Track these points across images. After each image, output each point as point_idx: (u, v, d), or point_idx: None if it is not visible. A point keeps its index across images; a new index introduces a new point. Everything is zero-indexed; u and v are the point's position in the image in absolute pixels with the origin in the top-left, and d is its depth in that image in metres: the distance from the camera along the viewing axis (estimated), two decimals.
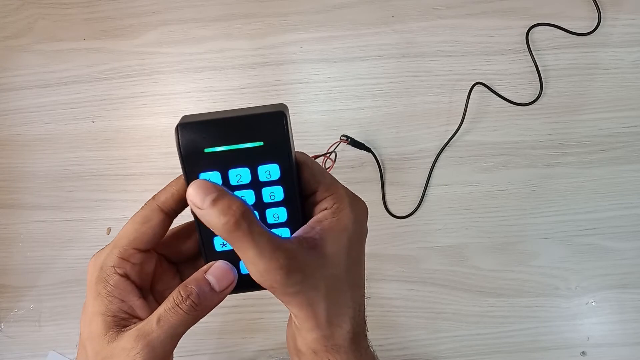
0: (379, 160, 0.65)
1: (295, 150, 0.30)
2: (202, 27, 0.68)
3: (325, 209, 0.29)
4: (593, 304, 0.62)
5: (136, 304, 0.29)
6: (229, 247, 0.30)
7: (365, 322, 0.32)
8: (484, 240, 0.64)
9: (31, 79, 0.69)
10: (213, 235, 0.29)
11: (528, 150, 0.65)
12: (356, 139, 0.63)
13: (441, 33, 0.67)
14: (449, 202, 0.65)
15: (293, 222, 0.29)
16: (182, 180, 0.30)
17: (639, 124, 0.65)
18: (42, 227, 0.66)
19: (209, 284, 0.28)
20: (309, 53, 0.67)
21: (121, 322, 0.28)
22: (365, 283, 0.32)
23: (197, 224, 0.29)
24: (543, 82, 0.65)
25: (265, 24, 0.68)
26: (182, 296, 0.27)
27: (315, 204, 0.30)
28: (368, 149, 0.63)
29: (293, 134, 0.29)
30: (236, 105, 0.66)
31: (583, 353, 0.61)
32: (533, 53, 0.65)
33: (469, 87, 0.65)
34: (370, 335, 0.33)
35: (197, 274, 0.29)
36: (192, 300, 0.27)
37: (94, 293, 0.29)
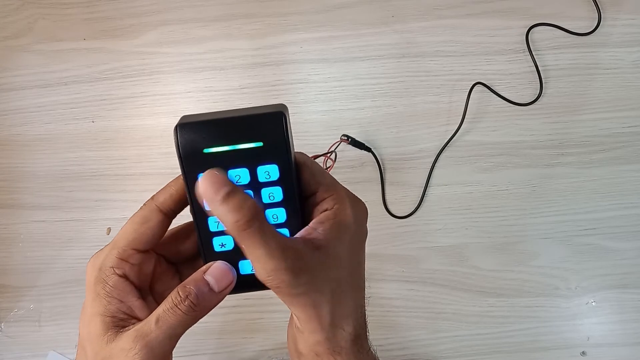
0: (379, 160, 0.65)
1: (295, 150, 0.29)
2: (202, 27, 0.68)
3: (326, 210, 0.29)
4: (593, 304, 0.62)
5: (135, 304, 0.29)
6: (228, 248, 0.30)
7: (366, 324, 0.32)
8: (484, 240, 0.64)
9: (31, 79, 0.69)
10: (212, 235, 0.29)
11: (528, 150, 0.65)
12: (356, 139, 0.63)
13: (441, 33, 0.67)
14: (449, 202, 0.65)
15: (292, 223, 0.29)
16: (181, 181, 0.30)
17: (639, 124, 0.65)
18: (42, 227, 0.66)
19: (208, 284, 0.28)
20: (309, 53, 0.67)
21: (120, 322, 0.28)
22: (365, 284, 0.32)
23: (196, 225, 0.29)
24: (543, 82, 0.65)
25: (265, 24, 0.68)
26: (180, 297, 0.27)
27: (315, 204, 0.30)
28: (368, 149, 0.63)
29: (293, 134, 0.29)
30: (236, 105, 0.67)
31: (583, 353, 0.61)
32: (533, 53, 0.65)
33: (469, 87, 0.65)
34: (370, 335, 0.33)
35: (196, 275, 0.29)
36: (191, 301, 0.27)
37: (92, 294, 0.29)
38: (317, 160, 0.57)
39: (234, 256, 0.30)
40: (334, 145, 0.62)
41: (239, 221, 0.25)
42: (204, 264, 0.30)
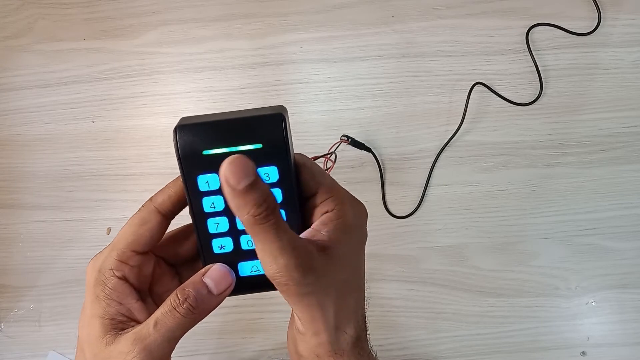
0: (379, 160, 0.65)
1: (295, 151, 0.29)
2: (202, 27, 0.68)
3: (327, 211, 0.29)
4: (593, 304, 0.62)
5: (134, 306, 0.29)
6: (227, 250, 0.29)
7: (366, 326, 0.32)
8: (484, 240, 0.64)
9: (31, 79, 0.69)
10: (211, 237, 0.29)
11: (528, 150, 0.65)
12: (356, 139, 0.63)
13: (441, 33, 0.67)
14: (449, 202, 0.65)
15: (292, 225, 0.29)
16: (180, 182, 0.30)
17: (639, 124, 0.65)
18: (42, 227, 0.66)
19: (207, 287, 0.28)
20: (309, 53, 0.67)
21: (119, 325, 0.28)
22: (365, 285, 0.32)
23: (196, 226, 0.29)
24: (543, 82, 0.65)
25: (265, 24, 0.68)
26: (179, 299, 0.27)
27: (315, 206, 0.29)
28: (368, 149, 0.63)
29: (292, 135, 0.29)
30: (236, 105, 0.67)
31: (583, 353, 0.61)
32: (533, 53, 0.65)
33: (469, 87, 0.65)
34: (370, 335, 0.33)
35: (194, 277, 0.29)
36: (190, 304, 0.27)
37: (92, 296, 0.29)
38: (317, 161, 0.57)
39: (233, 258, 0.30)
40: (334, 146, 0.62)
41: (257, 215, 0.24)
42: (203, 266, 0.30)
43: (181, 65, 0.68)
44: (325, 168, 0.61)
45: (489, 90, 0.65)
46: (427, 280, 0.63)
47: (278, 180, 0.28)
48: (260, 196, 0.24)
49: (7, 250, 0.66)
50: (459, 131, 0.65)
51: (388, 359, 0.62)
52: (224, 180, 0.23)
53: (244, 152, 0.27)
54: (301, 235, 0.29)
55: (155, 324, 0.27)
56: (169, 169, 0.66)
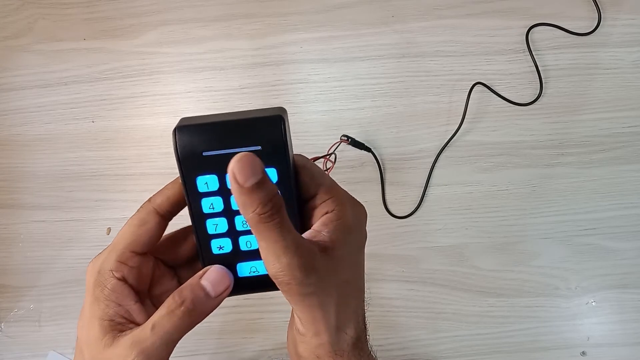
0: (379, 160, 0.65)
1: (294, 152, 0.29)
2: (202, 27, 0.68)
3: (327, 212, 0.29)
4: (593, 304, 0.62)
5: (133, 308, 0.29)
6: (226, 250, 0.29)
7: (366, 327, 0.32)
8: (484, 240, 0.64)
9: (31, 79, 0.69)
10: (210, 238, 0.29)
11: (528, 150, 0.65)
12: (356, 139, 0.63)
13: (441, 33, 0.67)
14: (449, 202, 0.65)
15: None
16: (178, 183, 0.30)
17: (639, 124, 0.65)
18: (42, 227, 0.66)
19: (204, 289, 0.28)
20: (309, 53, 0.67)
21: (117, 326, 0.28)
22: (365, 286, 0.32)
23: (195, 227, 0.29)
24: (543, 82, 0.65)
25: (265, 24, 0.68)
26: (176, 302, 0.27)
27: (315, 207, 0.29)
28: (368, 149, 0.63)
29: (292, 135, 0.29)
30: (236, 105, 0.67)
31: (583, 353, 0.61)
32: (533, 53, 0.65)
33: (469, 87, 0.65)
34: (370, 335, 0.33)
35: (192, 280, 0.28)
36: (187, 307, 0.27)
37: (91, 297, 0.29)
38: (316, 162, 0.57)
39: (232, 258, 0.30)
40: (334, 146, 0.62)
41: (262, 214, 0.24)
42: (202, 267, 0.30)
43: (181, 65, 0.68)
44: (324, 169, 0.61)
45: (489, 90, 0.65)
46: (427, 280, 0.63)
47: (277, 182, 0.28)
48: (267, 195, 0.24)
49: (7, 250, 0.66)
50: (459, 131, 0.65)
51: (388, 359, 0.62)
52: (232, 177, 0.24)
53: None
54: (304, 235, 0.28)
55: (153, 327, 0.27)
56: (169, 169, 0.66)
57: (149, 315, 0.28)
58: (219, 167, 0.27)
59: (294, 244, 0.25)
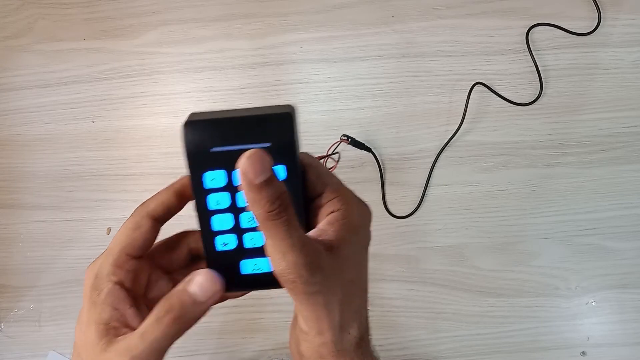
0: (379, 160, 0.65)
1: (300, 151, 0.29)
2: (202, 27, 0.68)
3: (333, 211, 0.29)
4: (593, 304, 0.62)
5: (128, 312, 0.29)
6: (230, 247, 0.29)
7: (369, 327, 0.32)
8: (484, 240, 0.64)
9: (31, 79, 0.69)
10: (215, 234, 0.29)
11: (528, 150, 0.65)
12: (356, 139, 0.63)
13: (441, 33, 0.67)
14: (449, 202, 0.65)
15: None
16: (172, 189, 0.30)
17: (639, 124, 0.65)
18: (42, 227, 0.66)
19: (191, 295, 0.28)
20: (309, 53, 0.67)
21: (112, 330, 0.28)
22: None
23: (200, 223, 0.29)
24: (543, 82, 0.65)
25: (265, 24, 0.68)
26: (164, 310, 0.27)
27: (321, 206, 0.29)
28: (368, 149, 0.63)
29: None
30: (236, 105, 0.67)
31: (583, 353, 0.61)
32: (533, 53, 0.65)
33: (469, 87, 0.65)
34: (371, 335, 0.33)
35: (179, 286, 0.28)
36: (174, 314, 0.27)
37: (88, 301, 0.29)
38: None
39: (236, 255, 0.29)
40: (334, 146, 0.62)
41: (271, 211, 0.25)
42: (206, 263, 0.30)
43: (181, 65, 0.68)
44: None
45: (489, 90, 0.65)
46: (427, 280, 0.63)
47: (285, 180, 0.28)
48: (275, 192, 0.25)
49: (7, 250, 0.66)
50: (459, 131, 0.65)
51: (388, 359, 0.62)
52: (242, 173, 0.24)
53: None
54: (310, 233, 0.28)
55: (142, 335, 0.27)
56: (169, 169, 0.66)
57: (144, 320, 0.28)
58: (228, 163, 0.27)
59: (301, 242, 0.26)
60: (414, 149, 0.65)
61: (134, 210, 0.31)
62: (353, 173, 0.65)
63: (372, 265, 0.66)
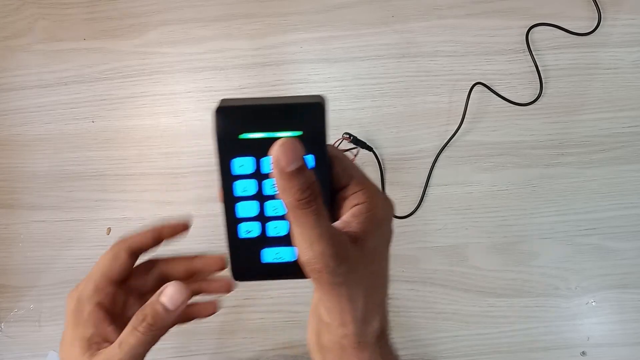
0: (380, 160, 0.65)
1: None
2: (202, 27, 0.68)
3: (357, 204, 0.29)
4: (593, 304, 0.62)
5: (107, 330, 0.34)
6: (253, 235, 0.29)
7: (389, 321, 0.32)
8: (484, 240, 0.64)
9: (31, 79, 0.69)
10: (238, 222, 0.29)
11: (528, 150, 0.65)
12: (358, 137, 0.63)
13: (441, 33, 0.67)
14: (449, 202, 0.65)
15: None
16: (150, 232, 0.36)
17: (639, 124, 0.65)
18: (42, 227, 0.66)
19: (163, 304, 0.32)
20: (309, 53, 0.67)
21: (94, 345, 0.33)
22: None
23: (224, 210, 0.29)
24: (543, 82, 0.65)
25: (265, 24, 0.68)
26: (138, 320, 0.32)
27: (345, 198, 0.29)
28: (369, 148, 0.63)
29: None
30: None
31: (583, 353, 0.61)
32: (533, 53, 0.65)
33: (469, 87, 0.65)
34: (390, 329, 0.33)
35: (152, 298, 0.33)
36: (148, 322, 0.32)
37: (73, 321, 0.34)
38: None
39: (258, 243, 0.29)
40: (335, 144, 0.62)
41: (301, 200, 0.25)
42: (228, 251, 0.30)
43: (181, 65, 0.68)
44: None
45: (489, 90, 0.65)
46: (427, 280, 0.63)
47: (313, 169, 0.27)
48: (306, 181, 0.25)
49: (7, 250, 0.66)
50: (459, 131, 0.65)
51: None
52: (274, 160, 0.25)
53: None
54: (334, 225, 0.29)
55: (120, 344, 0.31)
56: (169, 169, 0.66)
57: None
58: (257, 151, 0.27)
59: (329, 233, 0.26)
60: (414, 149, 0.65)
61: (114, 242, 0.36)
62: None
63: None
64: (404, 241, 0.64)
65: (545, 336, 0.62)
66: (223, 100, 0.28)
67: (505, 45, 0.67)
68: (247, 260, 0.30)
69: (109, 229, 0.66)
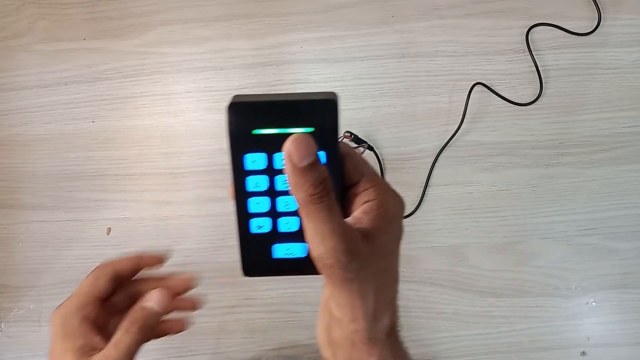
0: (380, 159, 0.65)
1: None
2: (202, 27, 0.68)
3: (368, 201, 0.29)
4: (593, 304, 0.62)
5: (95, 339, 0.37)
6: (264, 230, 0.29)
7: (399, 317, 0.32)
8: (484, 240, 0.64)
9: (31, 79, 0.69)
10: (250, 217, 0.29)
11: (528, 150, 0.65)
12: (359, 136, 0.63)
13: (441, 33, 0.67)
14: (449, 202, 0.65)
15: None
16: (130, 260, 0.40)
17: (639, 124, 0.65)
18: (42, 227, 0.66)
19: (151, 308, 0.37)
20: (309, 53, 0.67)
21: (86, 353, 0.36)
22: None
23: (236, 205, 0.29)
24: (543, 82, 0.65)
25: (265, 24, 0.68)
26: (131, 322, 0.36)
27: (356, 195, 0.29)
28: (370, 147, 0.64)
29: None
30: None
31: (583, 353, 0.61)
32: (533, 53, 0.65)
33: (469, 87, 0.65)
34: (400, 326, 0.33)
35: (140, 302, 0.37)
36: (139, 324, 0.36)
37: (61, 335, 0.37)
38: None
39: (269, 239, 0.30)
40: None
41: (313, 195, 0.25)
42: (238, 246, 0.30)
43: (181, 65, 0.68)
44: None
45: (489, 90, 0.65)
46: (427, 280, 0.63)
47: (325, 166, 0.28)
48: (319, 177, 0.25)
49: (7, 250, 0.66)
50: (459, 131, 0.65)
51: None
52: (287, 156, 0.25)
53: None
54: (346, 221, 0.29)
55: (116, 344, 0.35)
56: (169, 169, 0.66)
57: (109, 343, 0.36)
58: (269, 146, 0.27)
59: (341, 228, 0.26)
60: (414, 149, 0.65)
61: (97, 266, 0.41)
62: None
63: None
64: (404, 241, 0.64)
65: (545, 336, 0.62)
66: (236, 96, 0.28)
67: (505, 45, 0.67)
68: (258, 255, 0.30)
69: (109, 229, 0.66)
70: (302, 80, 0.67)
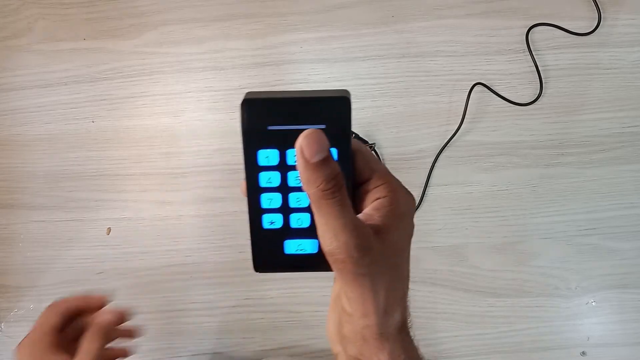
0: (380, 158, 0.64)
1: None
2: (202, 27, 0.68)
3: (379, 197, 0.29)
4: (593, 304, 0.62)
5: (64, 357, 0.44)
6: (276, 226, 0.30)
7: (409, 313, 0.32)
8: (484, 240, 0.64)
9: (31, 79, 0.69)
10: (262, 212, 0.30)
11: (528, 150, 0.65)
12: (360, 135, 0.63)
13: (441, 33, 0.67)
14: (449, 202, 0.65)
15: None
16: (80, 299, 0.48)
17: (639, 124, 0.65)
18: (42, 227, 0.66)
19: (107, 318, 0.45)
20: (309, 53, 0.67)
21: None
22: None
23: (248, 201, 0.29)
24: (543, 82, 0.65)
25: (265, 24, 0.68)
26: (93, 332, 0.44)
27: (368, 191, 0.30)
28: (370, 146, 0.64)
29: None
30: (236, 105, 0.67)
31: (583, 353, 0.61)
32: (533, 53, 0.65)
33: (469, 87, 0.65)
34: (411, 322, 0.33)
35: (98, 314, 0.46)
36: (101, 332, 0.44)
37: (34, 357, 0.44)
38: None
39: (281, 235, 0.30)
40: None
41: (325, 190, 0.25)
42: (250, 241, 0.30)
43: (181, 65, 0.68)
44: None
45: (489, 90, 0.65)
46: (427, 280, 0.63)
47: (336, 162, 0.28)
48: (331, 172, 0.25)
49: (7, 250, 0.66)
50: (459, 131, 0.65)
51: None
52: (299, 151, 0.25)
53: None
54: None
55: (85, 351, 0.43)
56: (169, 169, 0.66)
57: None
58: (282, 143, 0.28)
59: (353, 224, 0.26)
60: (414, 149, 0.65)
61: (49, 305, 0.47)
62: None
63: None
64: None
65: (545, 336, 0.62)
66: (249, 93, 0.28)
67: (505, 45, 0.67)
68: (270, 251, 0.30)
69: (109, 229, 0.66)
70: (302, 80, 0.67)
